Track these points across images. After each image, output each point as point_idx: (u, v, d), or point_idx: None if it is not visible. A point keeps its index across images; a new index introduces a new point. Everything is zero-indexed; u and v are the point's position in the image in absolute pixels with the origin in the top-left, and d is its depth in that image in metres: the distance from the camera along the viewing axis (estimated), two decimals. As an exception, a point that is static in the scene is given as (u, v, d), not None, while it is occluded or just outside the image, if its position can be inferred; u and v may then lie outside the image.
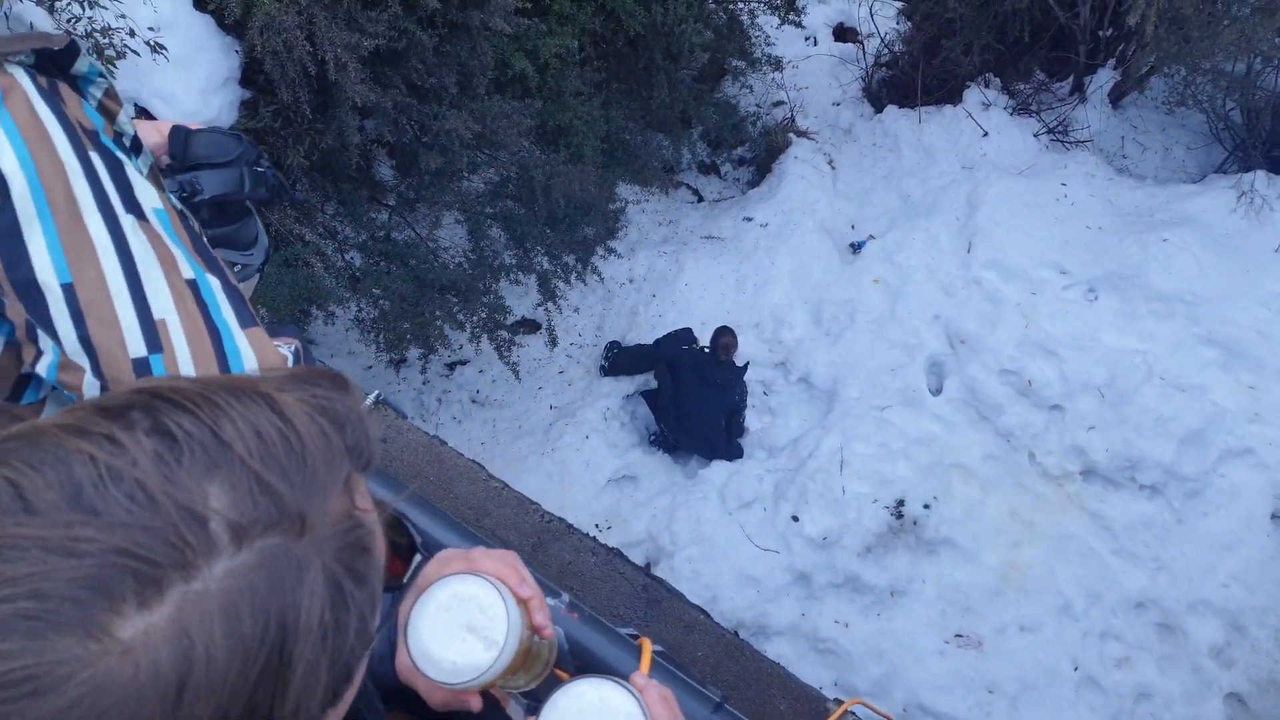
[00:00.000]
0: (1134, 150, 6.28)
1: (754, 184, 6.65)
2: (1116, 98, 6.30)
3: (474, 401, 6.00)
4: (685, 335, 5.51)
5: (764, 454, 5.43)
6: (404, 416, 1.88)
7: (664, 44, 4.75)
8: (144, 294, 0.80)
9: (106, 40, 3.08)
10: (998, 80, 6.41)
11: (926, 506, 5.07)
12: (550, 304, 4.93)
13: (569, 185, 4.06)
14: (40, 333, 0.78)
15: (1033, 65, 6.45)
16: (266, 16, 2.89)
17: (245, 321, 0.86)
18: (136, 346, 0.79)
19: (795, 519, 5.06)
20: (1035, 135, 6.17)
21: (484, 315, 4.75)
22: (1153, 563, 4.81)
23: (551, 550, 1.73)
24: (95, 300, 0.78)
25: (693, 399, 5.17)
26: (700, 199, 6.66)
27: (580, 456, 5.45)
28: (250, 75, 3.58)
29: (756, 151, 6.67)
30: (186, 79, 3.40)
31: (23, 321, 0.77)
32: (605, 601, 1.65)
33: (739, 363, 5.31)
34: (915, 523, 5.04)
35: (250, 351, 0.84)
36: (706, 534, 4.99)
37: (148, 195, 0.86)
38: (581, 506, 5.29)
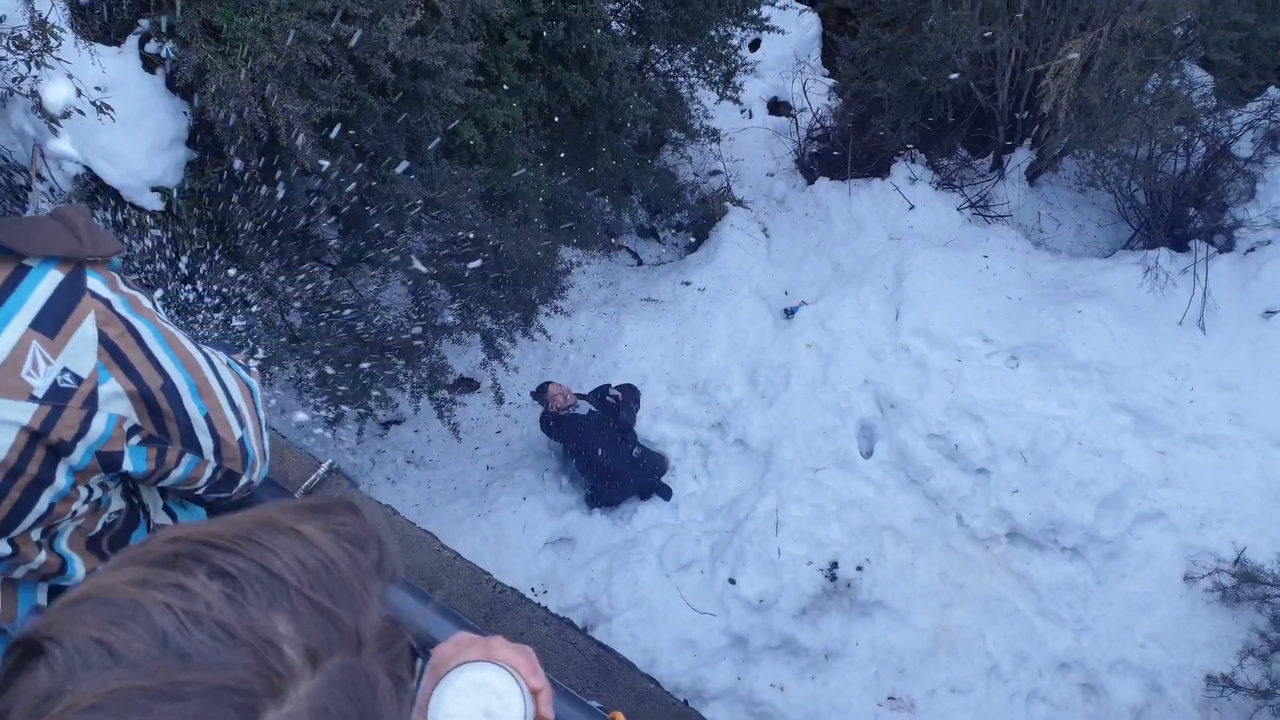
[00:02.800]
0: (1050, 225, 6.65)
1: (692, 249, 6.82)
2: (1033, 176, 6.68)
3: (409, 462, 5.94)
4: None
5: (702, 515, 5.48)
6: (355, 486, 1.88)
7: (608, 115, 4.89)
8: (227, 391, 1.03)
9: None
10: (923, 156, 6.74)
11: (859, 569, 5.17)
12: (496, 362, 4.95)
13: (516, 248, 4.12)
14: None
15: (955, 143, 6.81)
16: (221, 82, 2.92)
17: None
18: (236, 431, 1.03)
19: (732, 581, 5.10)
20: (959, 209, 6.49)
21: (424, 375, 4.74)
22: (1076, 624, 4.97)
23: (504, 621, 1.74)
24: (218, 415, 0.99)
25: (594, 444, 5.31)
26: (640, 262, 6.79)
27: (517, 518, 5.42)
28: (196, 137, 3.58)
29: (694, 218, 6.85)
30: (132, 139, 3.38)
31: (177, 454, 0.98)
32: (558, 672, 1.67)
33: (580, 410, 5.40)
34: (849, 585, 5.13)
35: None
36: (644, 597, 4.99)
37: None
38: (518, 569, 5.24)
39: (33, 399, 0.79)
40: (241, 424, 1.04)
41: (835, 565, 5.15)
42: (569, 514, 5.49)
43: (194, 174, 3.55)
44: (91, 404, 0.83)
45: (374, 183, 3.75)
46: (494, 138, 4.10)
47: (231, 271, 3.77)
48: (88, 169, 3.36)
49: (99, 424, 0.85)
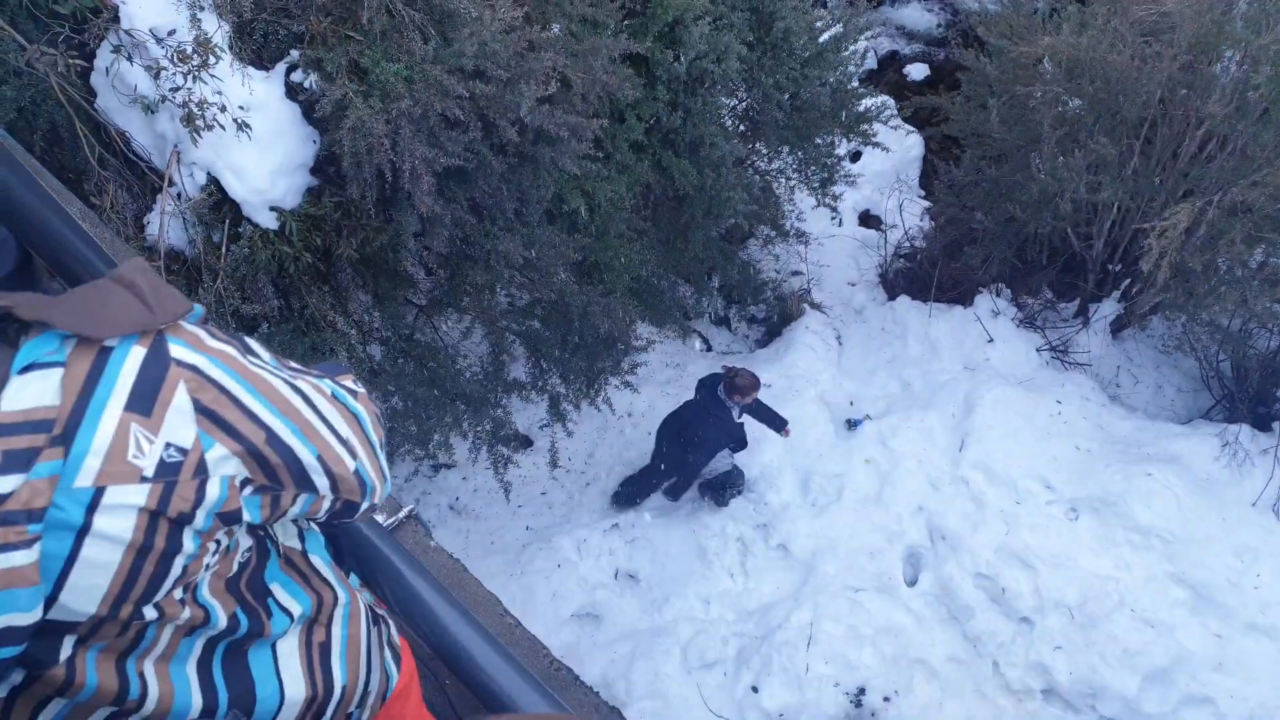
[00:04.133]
0: (1128, 381, 6.54)
1: (762, 344, 6.84)
2: (1117, 329, 6.60)
3: (451, 508, 5.95)
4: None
5: (733, 615, 5.37)
6: (430, 535, 1.90)
7: (706, 204, 4.99)
8: (332, 426, 1.02)
9: (199, 111, 3.24)
10: (1009, 291, 6.72)
11: (886, 699, 4.99)
12: (559, 425, 4.99)
13: (600, 317, 4.18)
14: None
15: (1043, 284, 6.78)
16: (358, 119, 3.05)
17: None
18: (350, 464, 1.04)
19: (755, 689, 4.96)
20: (1038, 350, 6.43)
21: (489, 427, 4.78)
22: (1105, 800, 4.72)
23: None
24: (330, 454, 1.01)
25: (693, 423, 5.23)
26: (709, 349, 6.82)
27: (548, 585, 5.38)
28: (321, 165, 3.74)
29: (769, 314, 6.89)
30: (261, 158, 3.55)
31: (291, 495, 0.99)
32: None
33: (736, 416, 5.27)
34: (873, 714, 4.95)
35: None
36: (663, 690, 4.88)
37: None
38: (541, 638, 5.17)
39: (144, 479, 0.80)
40: (353, 455, 1.04)
41: (863, 692, 4.98)
42: (599, 590, 5.42)
43: (312, 199, 3.70)
44: (202, 472, 0.85)
45: (479, 236, 3.86)
46: (597, 210, 4.21)
47: (326, 297, 3.89)
48: (215, 180, 3.53)
49: (214, 489, 0.86)
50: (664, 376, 6.47)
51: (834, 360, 6.51)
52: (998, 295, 6.60)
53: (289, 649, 1.09)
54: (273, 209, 3.61)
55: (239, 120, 3.35)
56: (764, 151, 6.03)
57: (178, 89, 3.21)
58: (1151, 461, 5.57)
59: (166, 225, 3.47)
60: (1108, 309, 6.45)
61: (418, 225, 3.60)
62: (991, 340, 6.40)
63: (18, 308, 0.79)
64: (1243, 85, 5.26)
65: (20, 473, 0.75)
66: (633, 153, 4.37)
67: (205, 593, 0.94)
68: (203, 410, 0.86)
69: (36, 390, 0.77)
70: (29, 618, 0.77)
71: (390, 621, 1.32)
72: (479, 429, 4.50)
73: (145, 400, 0.82)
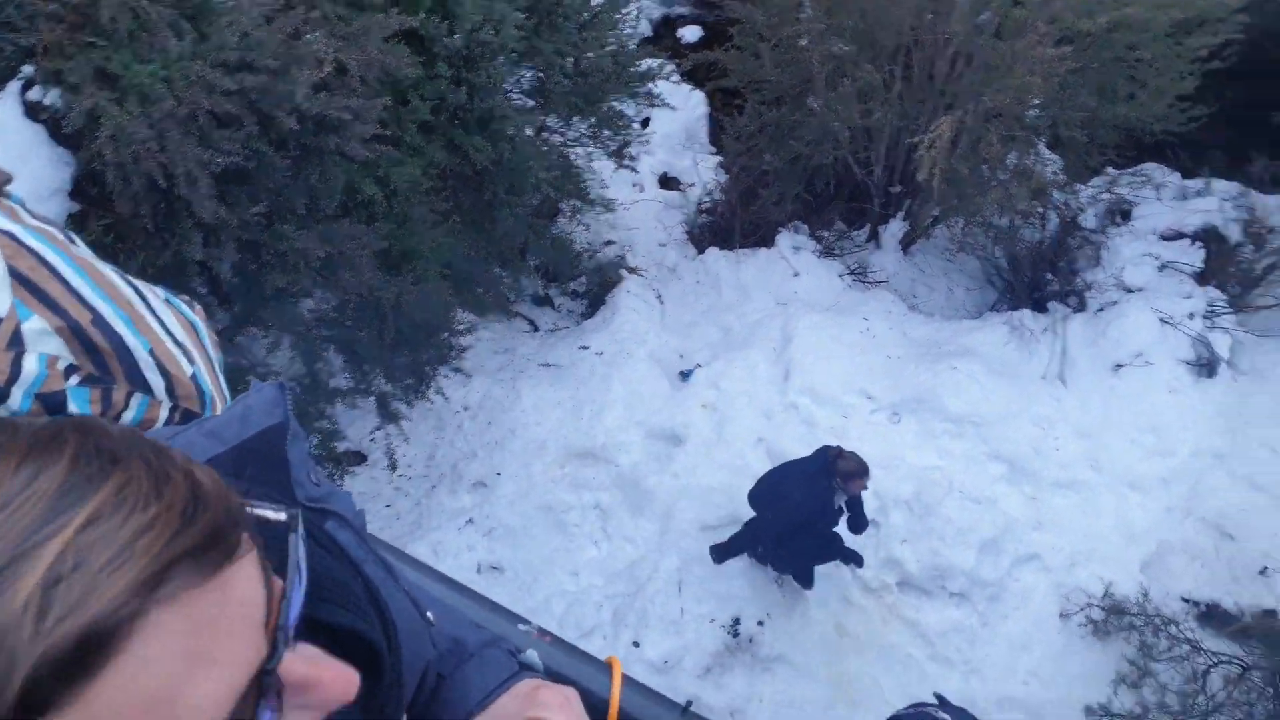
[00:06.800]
0: (923, 291, 7.10)
1: (587, 316, 6.92)
2: (906, 245, 7.15)
3: (297, 533, 5.68)
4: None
5: (602, 580, 5.45)
6: None
7: (508, 180, 4.98)
8: (166, 326, 1.00)
9: (-75, 142, 2.92)
10: (805, 226, 7.12)
11: (760, 623, 5.23)
12: (392, 425, 4.85)
13: (415, 308, 4.10)
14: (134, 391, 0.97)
15: (835, 215, 7.23)
16: (116, 126, 2.85)
17: None
18: (186, 368, 1.00)
19: (636, 645, 5.07)
20: (840, 276, 6.86)
21: (315, 442, 4.60)
22: (964, 665, 5.15)
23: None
24: (162, 350, 0.97)
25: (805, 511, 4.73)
26: (536, 329, 6.83)
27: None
28: (81, 188, 3.45)
29: (590, 286, 6.98)
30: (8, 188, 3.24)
31: (125, 393, 0.94)
32: None
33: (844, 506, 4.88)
34: (751, 640, 5.17)
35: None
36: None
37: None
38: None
39: None
40: (190, 360, 0.99)
41: (738, 621, 5.19)
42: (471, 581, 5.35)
43: (75, 226, 3.41)
44: (17, 344, 0.78)
45: (271, 239, 3.69)
46: (394, 196, 4.12)
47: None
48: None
49: (31, 364, 0.80)
50: (495, 364, 6.43)
51: (658, 319, 6.68)
52: (796, 232, 6.99)
53: None
54: (34, 241, 3.31)
55: (-29, 149, 3.05)
56: (556, 125, 6.08)
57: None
58: (953, 357, 6.09)
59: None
60: (895, 228, 6.98)
61: (202, 236, 3.40)
62: (797, 274, 6.77)
63: None
64: (979, 4, 5.82)
65: None
66: (422, 134, 4.30)
67: None
68: (19, 277, 0.79)
69: None
70: None
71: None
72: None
73: None
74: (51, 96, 3.23)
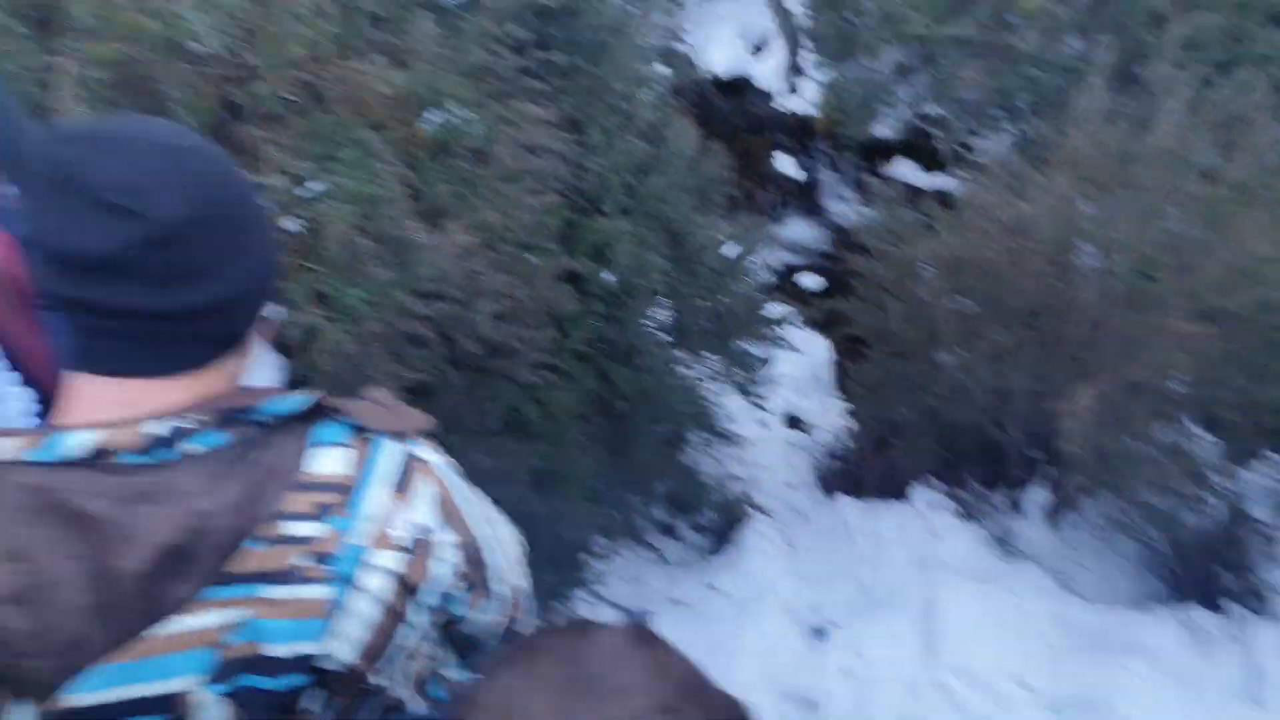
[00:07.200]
0: (1074, 569, 6.66)
1: (713, 552, 6.85)
2: (1053, 516, 6.80)
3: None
4: None
5: None
6: None
7: (650, 410, 5.23)
8: (519, 552, 1.22)
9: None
10: (941, 484, 6.94)
11: None
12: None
13: (566, 526, 4.21)
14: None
15: (971, 476, 7.03)
16: (334, 341, 3.23)
17: None
18: (526, 583, 1.24)
19: None
20: (984, 543, 6.56)
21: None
22: None
23: None
24: (514, 568, 1.17)
25: None
26: (665, 560, 6.79)
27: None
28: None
29: (716, 521, 6.97)
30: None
31: (483, 596, 1.10)
32: None
33: None
34: None
35: None
36: None
37: None
38: None
39: (399, 548, 0.95)
40: (528, 577, 1.20)
41: None
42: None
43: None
44: (436, 553, 0.99)
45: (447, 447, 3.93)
46: (552, 420, 4.38)
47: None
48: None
49: (443, 570, 1.00)
50: (623, 593, 6.36)
51: (789, 566, 6.53)
52: (929, 488, 6.81)
53: None
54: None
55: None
56: (686, 358, 6.37)
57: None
58: (1122, 652, 5.49)
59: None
60: (1037, 495, 6.69)
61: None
62: (936, 535, 6.56)
63: (343, 408, 0.96)
64: (1106, 275, 5.84)
65: (323, 521, 0.90)
66: (577, 362, 4.62)
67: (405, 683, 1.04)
68: (439, 500, 0.99)
69: (335, 461, 0.93)
70: (318, 648, 0.89)
71: None
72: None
73: (401, 483, 0.96)
74: (273, 311, 3.69)
